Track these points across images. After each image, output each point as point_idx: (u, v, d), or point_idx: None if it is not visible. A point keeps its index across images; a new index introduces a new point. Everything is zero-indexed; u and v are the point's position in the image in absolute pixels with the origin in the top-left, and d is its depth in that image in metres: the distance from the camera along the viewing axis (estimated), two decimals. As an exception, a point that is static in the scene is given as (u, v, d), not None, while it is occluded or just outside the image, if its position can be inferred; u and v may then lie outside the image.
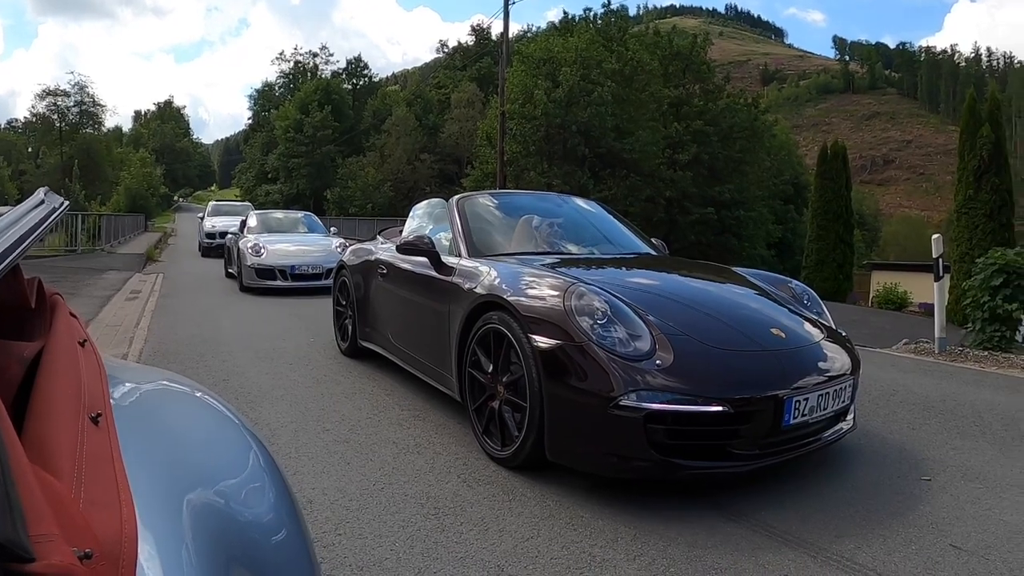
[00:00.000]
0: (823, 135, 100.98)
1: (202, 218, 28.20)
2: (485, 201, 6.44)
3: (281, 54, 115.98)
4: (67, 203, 1.64)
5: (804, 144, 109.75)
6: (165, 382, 1.37)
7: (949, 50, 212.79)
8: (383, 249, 6.81)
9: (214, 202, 32.20)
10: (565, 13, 45.86)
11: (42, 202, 1.47)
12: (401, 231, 7.04)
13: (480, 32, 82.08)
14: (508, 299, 4.26)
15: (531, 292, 4.25)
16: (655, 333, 3.84)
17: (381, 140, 69.61)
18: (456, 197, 6.26)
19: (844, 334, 4.83)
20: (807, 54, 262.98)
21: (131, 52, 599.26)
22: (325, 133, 74.07)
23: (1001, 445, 4.91)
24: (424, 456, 4.36)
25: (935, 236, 9.26)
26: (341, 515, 3.47)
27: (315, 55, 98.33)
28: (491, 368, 4.39)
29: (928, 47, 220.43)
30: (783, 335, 4.21)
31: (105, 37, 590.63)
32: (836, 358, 4.30)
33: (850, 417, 4.45)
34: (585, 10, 45.19)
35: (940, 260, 9.02)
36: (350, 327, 7.26)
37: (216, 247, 23.19)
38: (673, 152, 40.69)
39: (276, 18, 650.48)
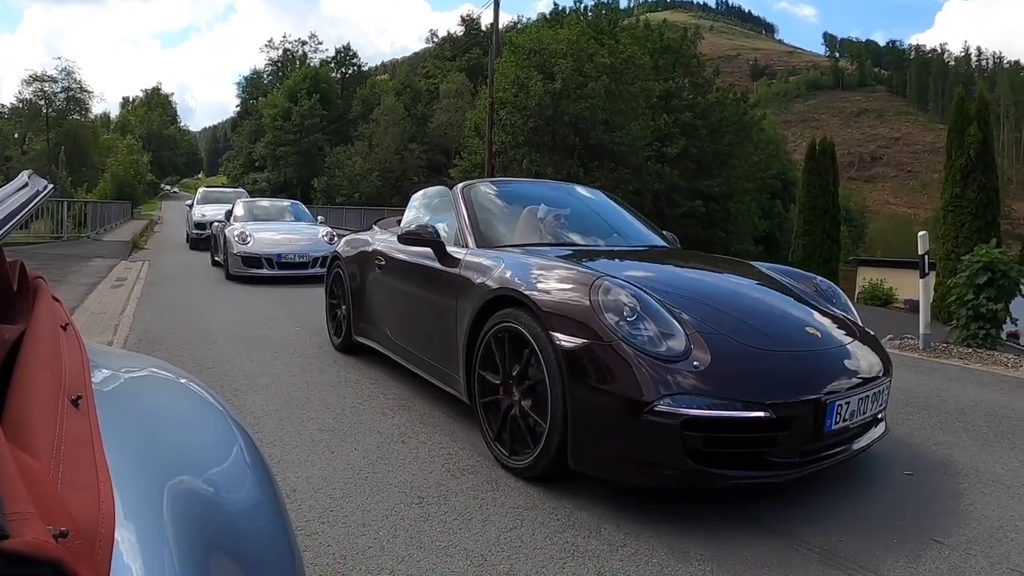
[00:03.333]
0: (811, 131, 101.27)
1: (190, 206, 25.27)
2: (488, 189, 6.15)
3: (270, 42, 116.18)
4: (51, 186, 1.63)
5: (792, 140, 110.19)
6: (149, 368, 1.36)
7: (939, 49, 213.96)
8: (381, 240, 6.54)
9: (204, 188, 28.83)
10: (555, 4, 45.92)
11: (26, 185, 1.46)
12: (399, 221, 6.82)
13: (470, 22, 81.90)
14: (525, 293, 3.94)
15: (550, 286, 3.92)
16: (689, 332, 3.56)
17: (369, 129, 69.44)
18: (460, 185, 5.92)
19: (873, 333, 4.61)
20: (797, 50, 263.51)
21: (117, 37, 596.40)
22: (313, 122, 73.91)
23: (984, 441, 4.94)
24: (408, 445, 4.35)
25: (921, 233, 9.30)
26: (325, 504, 3.46)
27: (304, 43, 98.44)
28: (506, 368, 4.08)
29: (918, 45, 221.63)
30: (818, 334, 4.00)
31: (91, 22, 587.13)
32: (870, 359, 4.08)
33: (882, 422, 4.21)
34: (576, 1, 45.08)
35: (926, 257, 9.07)
36: (344, 322, 6.96)
37: (206, 239, 20.50)
38: (661, 145, 40.75)
39: (264, 4, 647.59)
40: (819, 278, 5.25)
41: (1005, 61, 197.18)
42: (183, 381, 1.32)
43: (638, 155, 34.18)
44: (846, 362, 3.89)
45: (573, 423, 3.56)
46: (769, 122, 66.75)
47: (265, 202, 18.87)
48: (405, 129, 67.31)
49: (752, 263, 5.63)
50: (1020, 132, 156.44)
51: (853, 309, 4.90)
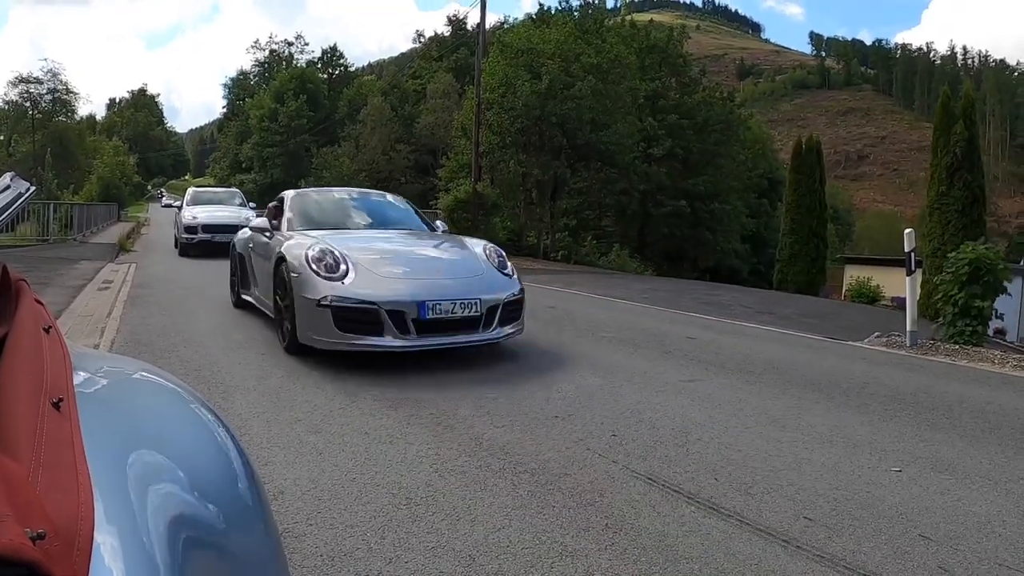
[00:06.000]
0: (798, 130, 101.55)
1: (179, 208, 22.95)
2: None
3: (256, 43, 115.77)
4: (34, 188, 1.62)
5: (779, 139, 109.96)
6: (134, 371, 1.35)
7: (925, 48, 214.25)
8: None
9: (194, 189, 25.98)
10: (541, 5, 45.87)
11: (8, 187, 1.45)
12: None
13: (456, 23, 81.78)
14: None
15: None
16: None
17: (356, 130, 69.33)
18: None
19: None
20: (784, 49, 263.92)
21: (102, 37, 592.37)
22: (300, 123, 73.91)
23: (971, 437, 4.96)
24: (396, 446, 4.35)
25: (907, 231, 9.35)
26: (312, 505, 3.46)
27: (290, 44, 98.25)
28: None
29: (904, 44, 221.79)
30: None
31: (76, 22, 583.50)
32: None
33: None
34: (562, 1, 45.09)
35: (912, 254, 9.10)
36: None
37: (198, 244, 19.26)
38: (648, 146, 40.74)
39: (249, 5, 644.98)
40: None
41: (991, 60, 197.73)
42: (168, 384, 1.31)
43: (625, 155, 34.19)
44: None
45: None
46: (756, 121, 66.88)
47: (338, 193, 10.77)
48: (392, 130, 67.16)
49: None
50: (1006, 130, 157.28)
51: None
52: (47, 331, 1.13)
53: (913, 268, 9.16)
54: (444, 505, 3.51)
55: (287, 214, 8.72)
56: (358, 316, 6.34)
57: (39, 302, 1.30)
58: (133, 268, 15.51)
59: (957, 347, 8.76)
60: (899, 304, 19.97)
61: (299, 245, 7.19)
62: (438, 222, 10.02)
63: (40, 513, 0.60)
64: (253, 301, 9.01)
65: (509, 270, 7.53)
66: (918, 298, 10.04)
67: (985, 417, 5.51)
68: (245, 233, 9.87)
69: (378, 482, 3.77)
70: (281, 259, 7.28)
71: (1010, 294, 9.38)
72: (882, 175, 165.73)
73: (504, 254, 7.89)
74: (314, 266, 6.66)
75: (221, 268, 15.33)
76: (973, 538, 3.32)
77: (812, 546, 3.17)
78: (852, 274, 33.49)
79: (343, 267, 6.68)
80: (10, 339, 1.01)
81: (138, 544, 0.77)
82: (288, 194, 9.40)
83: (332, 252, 6.84)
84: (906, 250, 9.14)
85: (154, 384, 1.31)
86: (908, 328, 9.03)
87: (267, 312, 8.14)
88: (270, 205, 9.85)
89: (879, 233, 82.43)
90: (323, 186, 60.00)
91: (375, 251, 7.45)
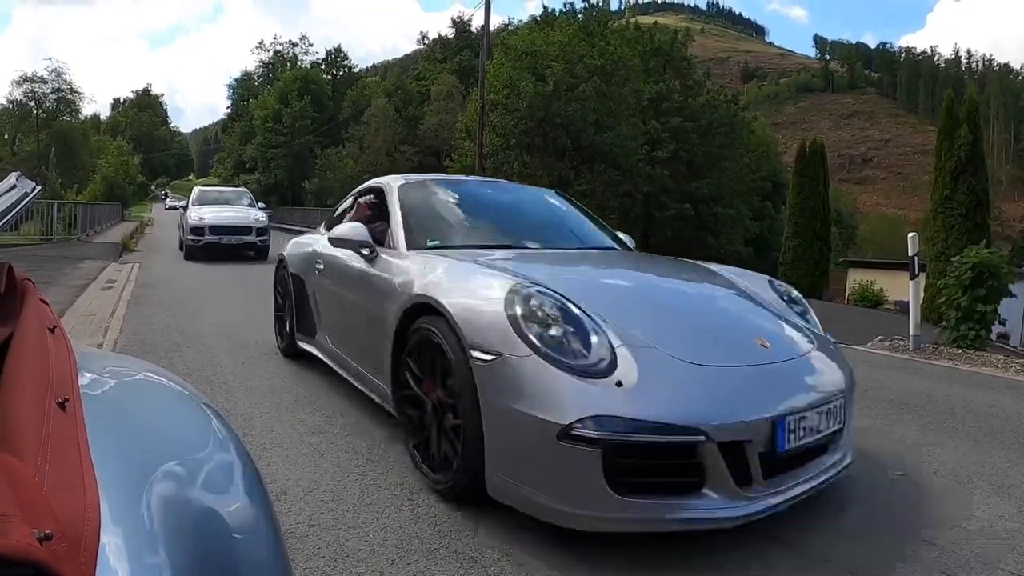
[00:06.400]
0: (802, 133, 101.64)
1: (185, 208, 21.37)
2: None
3: (260, 43, 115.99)
4: (39, 188, 1.63)
5: (783, 142, 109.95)
6: (138, 371, 1.36)
7: (929, 51, 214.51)
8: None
9: (200, 188, 24.02)
10: (545, 8, 45.93)
11: (14, 187, 1.46)
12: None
13: (460, 25, 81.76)
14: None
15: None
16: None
17: (360, 131, 69.30)
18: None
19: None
20: (788, 52, 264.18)
21: (105, 38, 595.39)
22: (304, 123, 73.77)
23: (973, 442, 4.96)
24: (399, 447, 4.33)
25: (911, 234, 9.34)
26: (315, 506, 3.45)
27: (295, 45, 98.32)
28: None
29: (908, 48, 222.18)
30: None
31: (80, 22, 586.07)
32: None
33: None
34: (566, 3, 45.12)
35: (915, 258, 9.10)
36: None
37: (205, 246, 18.43)
38: (652, 149, 40.75)
39: (252, 5, 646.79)
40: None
41: (995, 63, 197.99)
42: (172, 384, 1.31)
43: (629, 157, 34.18)
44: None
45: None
46: (759, 124, 66.88)
47: (460, 185, 7.55)
48: (396, 131, 67.09)
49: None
50: (1010, 134, 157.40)
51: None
52: (52, 331, 1.13)
53: (916, 272, 9.16)
54: (446, 506, 3.50)
55: (399, 220, 4.99)
56: (660, 459, 2.94)
57: (44, 302, 1.30)
58: (136, 268, 15.50)
59: (960, 351, 8.76)
60: (902, 308, 19.97)
61: (473, 287, 3.68)
62: (620, 234, 5.96)
63: (47, 513, 0.60)
64: (323, 357, 5.89)
65: (817, 324, 4.36)
66: (921, 302, 10.05)
67: (988, 421, 5.51)
68: (305, 247, 6.59)
69: (381, 483, 3.77)
70: (424, 307, 3.79)
71: (1015, 296, 9.39)
72: (886, 178, 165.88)
73: (800, 295, 4.68)
74: (535, 338, 3.10)
75: (226, 269, 15.39)
76: (976, 543, 3.32)
77: (813, 551, 3.17)
78: (855, 278, 33.49)
79: (595, 339, 3.13)
80: (16, 339, 1.02)
81: (143, 544, 0.77)
82: (392, 185, 5.48)
83: (564, 306, 3.28)
84: (909, 254, 9.14)
85: (158, 384, 1.31)
86: (911, 332, 9.03)
87: (369, 393, 4.84)
88: (360, 202, 6.25)
89: (883, 236, 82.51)
90: (327, 187, 59.27)
91: (622, 302, 3.76)
